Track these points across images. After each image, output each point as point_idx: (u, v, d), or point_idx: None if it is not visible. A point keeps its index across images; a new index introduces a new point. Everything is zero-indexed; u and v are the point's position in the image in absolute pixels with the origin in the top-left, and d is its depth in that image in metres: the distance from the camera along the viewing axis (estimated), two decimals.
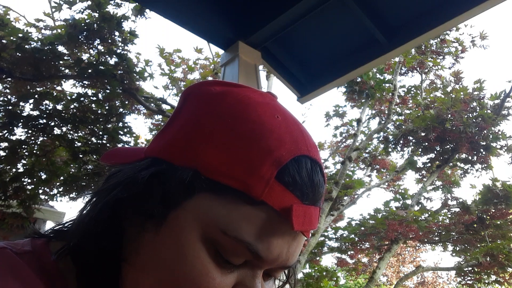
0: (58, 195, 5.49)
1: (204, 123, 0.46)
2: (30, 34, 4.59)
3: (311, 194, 0.45)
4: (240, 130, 0.44)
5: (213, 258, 0.42)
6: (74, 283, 0.45)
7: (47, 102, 4.94)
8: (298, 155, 0.45)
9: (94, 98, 5.02)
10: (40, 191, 5.22)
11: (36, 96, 4.79)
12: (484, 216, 6.17)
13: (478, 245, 6.27)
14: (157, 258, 0.42)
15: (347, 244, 7.40)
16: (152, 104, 5.81)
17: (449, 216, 6.76)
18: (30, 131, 4.82)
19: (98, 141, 5.16)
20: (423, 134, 6.55)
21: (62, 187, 5.37)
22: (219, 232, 0.42)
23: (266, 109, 0.47)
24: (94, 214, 0.45)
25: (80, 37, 4.57)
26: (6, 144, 4.69)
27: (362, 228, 6.87)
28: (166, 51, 6.46)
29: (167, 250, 0.42)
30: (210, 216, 0.42)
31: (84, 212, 0.47)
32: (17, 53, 4.39)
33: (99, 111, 5.14)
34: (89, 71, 4.68)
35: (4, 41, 4.37)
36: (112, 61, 4.94)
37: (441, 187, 7.26)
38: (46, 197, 5.62)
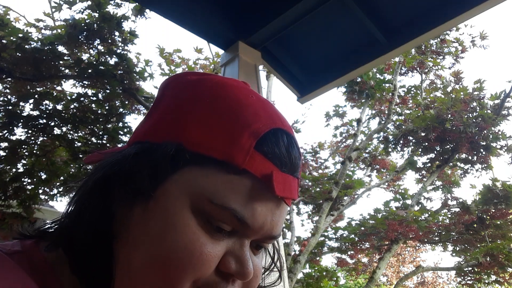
0: (58, 195, 5.49)
1: (185, 104, 0.49)
2: (30, 34, 4.58)
3: (289, 164, 0.48)
4: (218, 107, 0.47)
5: (202, 227, 0.43)
6: (66, 278, 0.45)
7: (47, 102, 4.93)
8: (273, 127, 0.48)
9: (94, 98, 5.02)
10: (40, 191, 5.22)
11: (36, 96, 4.79)
12: (484, 216, 6.17)
13: (478, 245, 6.27)
14: (147, 231, 0.43)
15: (347, 244, 7.39)
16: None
17: (449, 216, 6.76)
18: (30, 131, 4.82)
19: (98, 141, 5.16)
20: (423, 134, 6.55)
21: (62, 187, 5.37)
22: (206, 201, 0.43)
23: (241, 90, 0.51)
24: (84, 197, 0.46)
25: (80, 37, 4.57)
26: (6, 144, 4.69)
27: (362, 228, 6.87)
28: (166, 51, 6.46)
29: (156, 223, 0.43)
30: (197, 186, 0.44)
31: (73, 200, 0.48)
32: (17, 53, 4.39)
33: (99, 111, 5.14)
34: (89, 71, 4.68)
35: (4, 41, 4.37)
36: (112, 61, 4.94)
37: (441, 187, 7.26)
38: (46, 197, 5.62)
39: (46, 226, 0.50)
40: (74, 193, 0.48)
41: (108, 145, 5.10)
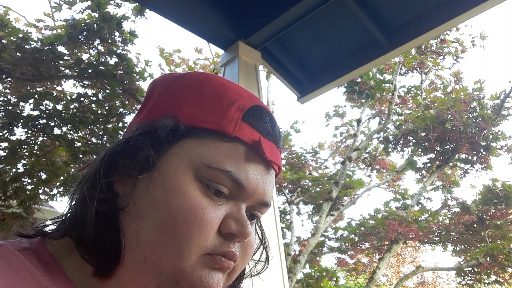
0: (58, 195, 5.49)
1: (175, 91, 0.55)
2: (30, 34, 4.58)
3: (272, 134, 0.55)
4: (206, 89, 0.54)
5: (203, 192, 0.48)
6: (73, 269, 0.48)
7: (47, 102, 4.93)
8: (256, 104, 0.54)
9: (94, 98, 5.02)
10: (40, 191, 5.22)
11: (36, 96, 4.79)
12: (484, 216, 6.17)
13: (478, 245, 6.27)
14: (152, 200, 0.47)
15: (347, 244, 7.39)
16: None
17: (449, 216, 6.76)
18: (30, 131, 4.82)
19: (98, 141, 5.16)
20: (423, 134, 6.55)
21: (62, 187, 5.38)
22: (204, 166, 0.49)
23: (223, 78, 0.58)
24: (88, 181, 0.49)
25: (80, 37, 4.57)
26: (6, 144, 4.69)
27: (362, 228, 6.87)
28: (166, 51, 6.46)
29: (161, 191, 0.47)
30: (195, 155, 0.49)
31: (78, 186, 0.50)
32: (17, 53, 4.39)
33: (99, 111, 5.14)
34: (89, 71, 4.68)
35: (4, 41, 4.37)
36: (112, 61, 4.93)
37: (441, 187, 7.25)
38: (46, 197, 5.62)
39: (51, 222, 0.53)
40: (78, 182, 0.51)
41: (108, 145, 5.09)
